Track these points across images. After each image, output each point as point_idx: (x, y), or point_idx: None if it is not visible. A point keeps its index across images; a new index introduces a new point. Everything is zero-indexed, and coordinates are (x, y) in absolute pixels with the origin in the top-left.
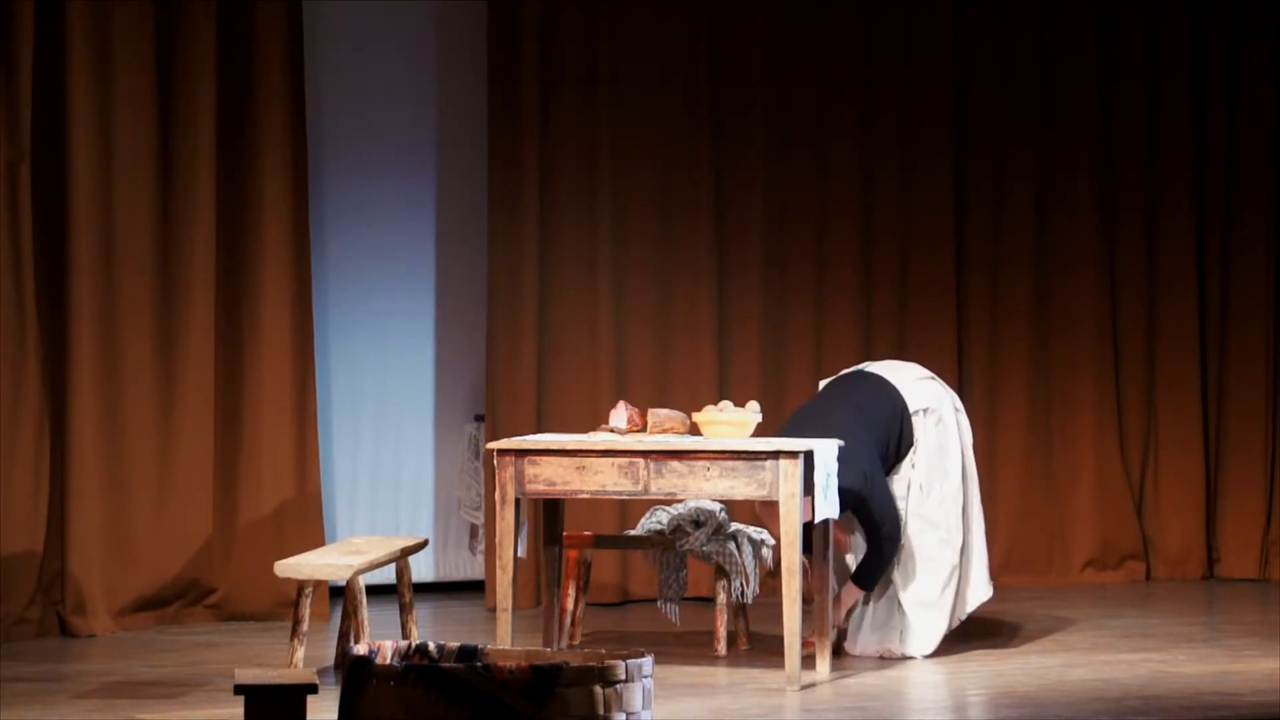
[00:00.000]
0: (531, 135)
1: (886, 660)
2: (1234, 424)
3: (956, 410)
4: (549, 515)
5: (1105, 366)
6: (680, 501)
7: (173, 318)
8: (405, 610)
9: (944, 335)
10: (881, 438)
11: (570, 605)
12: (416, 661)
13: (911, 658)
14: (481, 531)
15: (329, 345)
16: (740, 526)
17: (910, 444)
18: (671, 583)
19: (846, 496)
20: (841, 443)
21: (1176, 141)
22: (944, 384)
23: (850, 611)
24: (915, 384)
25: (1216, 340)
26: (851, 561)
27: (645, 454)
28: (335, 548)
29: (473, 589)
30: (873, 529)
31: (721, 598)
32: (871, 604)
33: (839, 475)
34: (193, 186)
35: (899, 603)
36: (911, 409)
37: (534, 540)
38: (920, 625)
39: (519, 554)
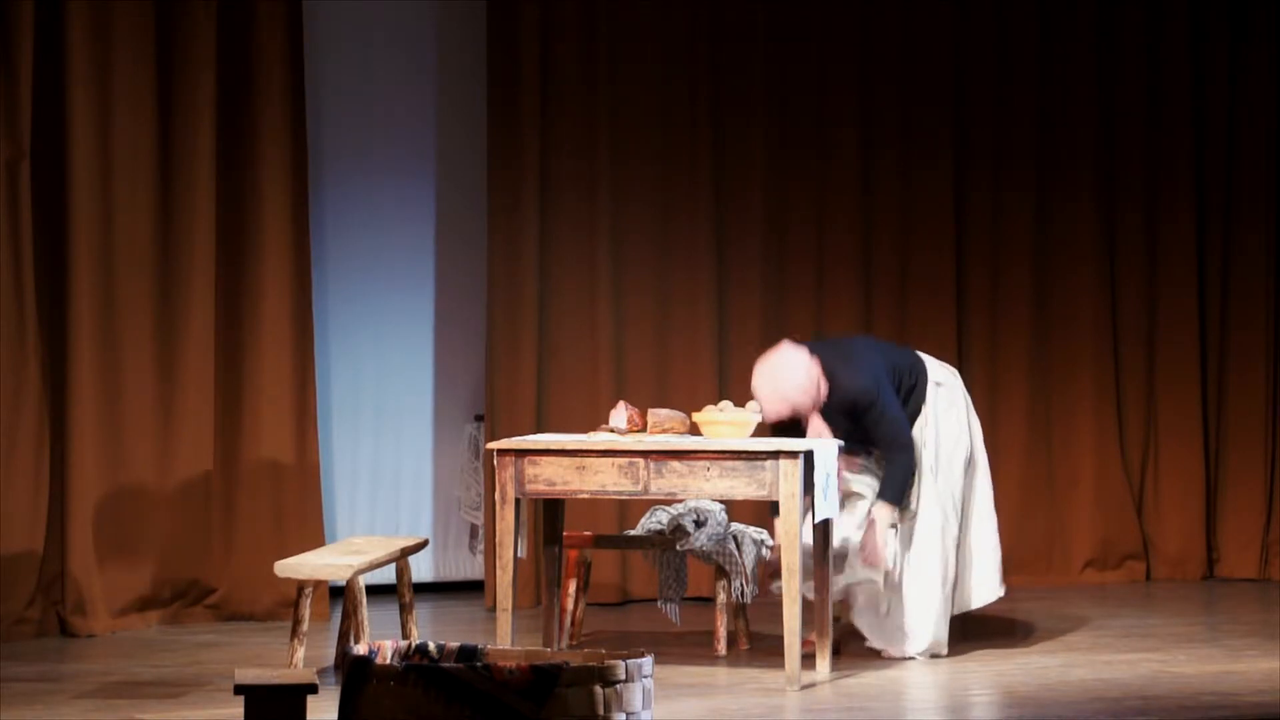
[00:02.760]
0: (531, 135)
1: (887, 660)
2: (1234, 424)
3: (968, 408)
4: (549, 515)
5: (1105, 366)
6: (680, 501)
7: (173, 318)
8: (405, 610)
9: (944, 335)
10: (895, 370)
11: (570, 605)
12: (416, 661)
13: (911, 658)
14: (481, 531)
15: (329, 345)
16: (740, 526)
17: (919, 405)
18: (671, 583)
19: (859, 398)
20: (852, 387)
21: (1176, 141)
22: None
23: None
24: (939, 365)
25: (1216, 340)
26: (864, 489)
27: (645, 454)
28: (335, 548)
29: (473, 589)
30: (888, 440)
31: (721, 598)
32: (871, 606)
33: (850, 377)
34: (193, 186)
35: (901, 600)
36: (930, 378)
37: (534, 540)
38: (919, 622)
39: (519, 554)
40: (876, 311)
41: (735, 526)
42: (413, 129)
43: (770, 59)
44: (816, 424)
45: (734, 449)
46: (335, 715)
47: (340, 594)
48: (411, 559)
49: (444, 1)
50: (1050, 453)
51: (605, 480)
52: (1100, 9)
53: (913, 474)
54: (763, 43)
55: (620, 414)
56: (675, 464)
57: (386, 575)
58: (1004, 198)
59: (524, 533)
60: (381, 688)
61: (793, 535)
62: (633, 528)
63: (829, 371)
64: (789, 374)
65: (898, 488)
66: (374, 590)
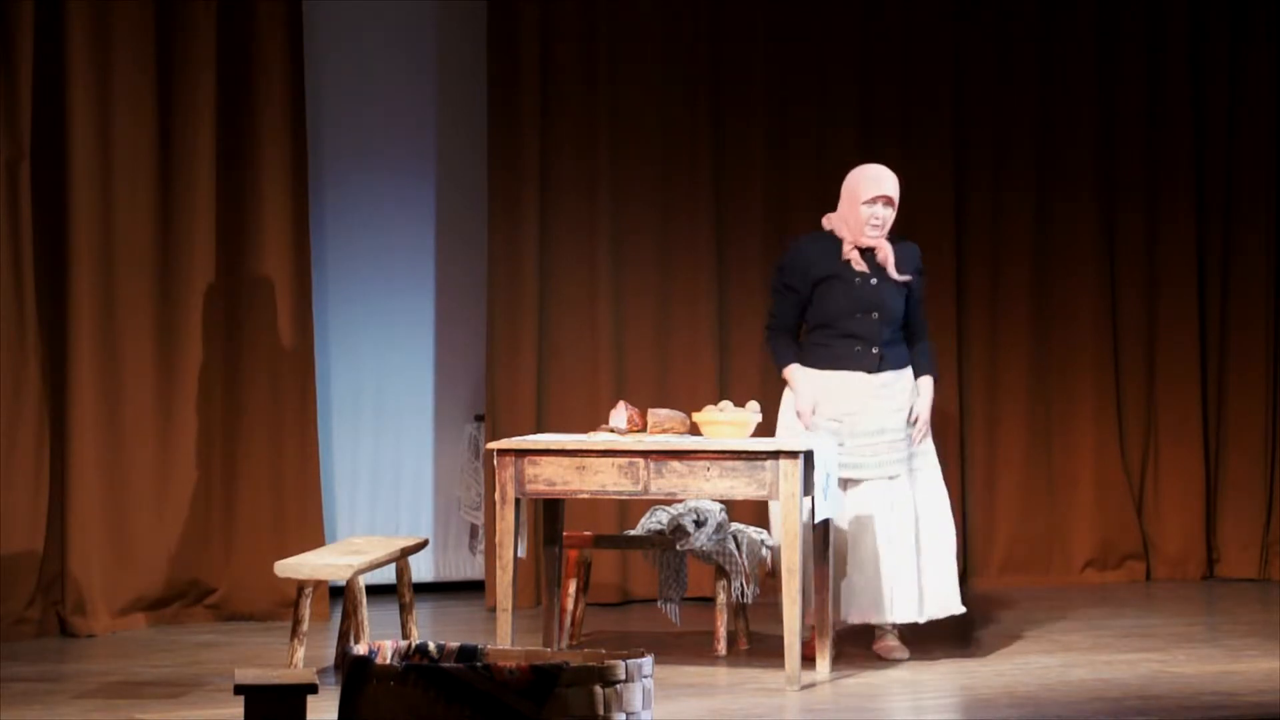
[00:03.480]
0: (531, 135)
1: (887, 660)
2: (1234, 424)
3: None
4: (549, 515)
5: (1105, 366)
6: (680, 501)
7: (173, 317)
8: (405, 610)
9: (944, 335)
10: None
11: (570, 605)
12: (416, 661)
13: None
14: (481, 531)
15: (329, 345)
16: (740, 526)
17: None
18: (671, 583)
19: (918, 271)
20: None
21: (1176, 141)
22: None
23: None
24: None
25: (1216, 340)
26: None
27: (645, 454)
28: (335, 548)
29: (473, 589)
30: (923, 317)
31: (721, 598)
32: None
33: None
34: (193, 186)
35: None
36: None
37: (534, 540)
38: (944, 584)
39: (519, 554)
40: None
41: (735, 526)
42: (413, 129)
43: (770, 59)
44: (884, 249)
45: (734, 449)
46: (335, 715)
47: (340, 594)
48: (411, 559)
49: (444, 1)
50: (1050, 453)
51: (605, 480)
52: (1100, 10)
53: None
54: (763, 43)
55: (620, 414)
56: (675, 464)
57: (386, 575)
58: (1004, 198)
59: (524, 533)
60: (381, 688)
61: (793, 535)
62: (633, 528)
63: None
64: None
65: (934, 366)
66: (374, 590)
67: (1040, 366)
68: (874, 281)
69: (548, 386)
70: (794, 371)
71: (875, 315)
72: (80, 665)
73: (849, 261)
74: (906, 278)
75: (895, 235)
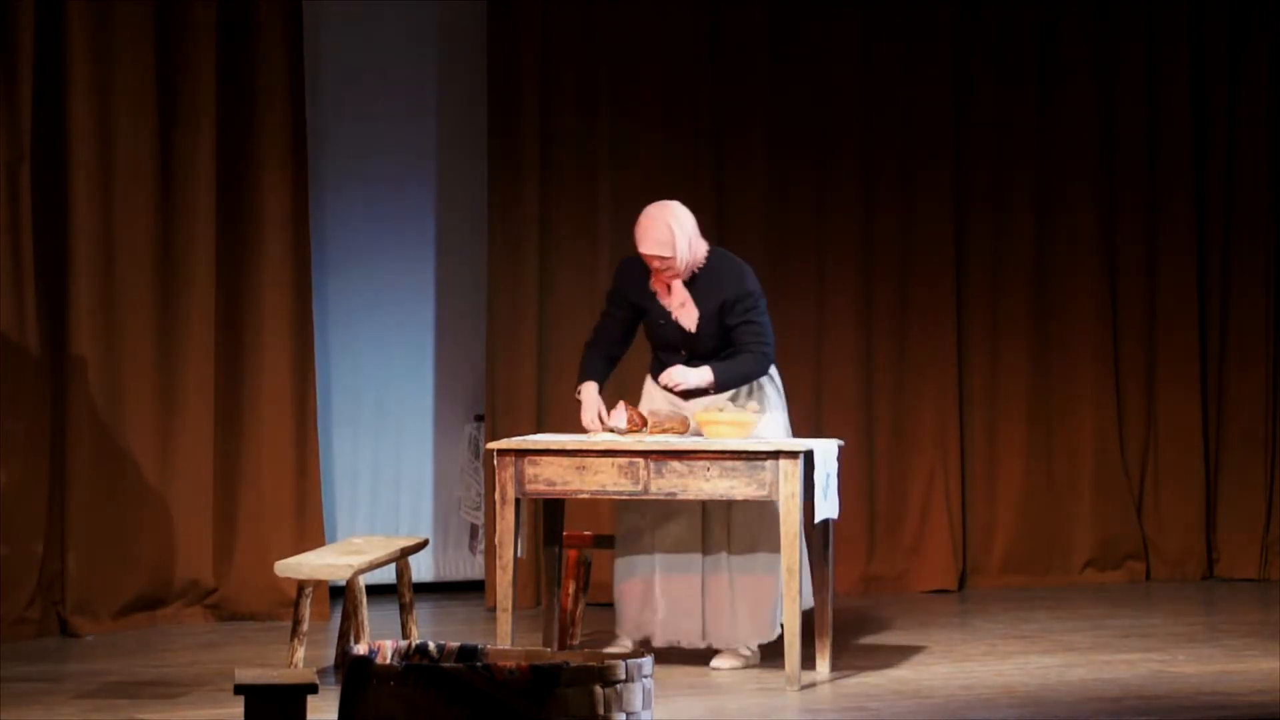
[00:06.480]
0: (531, 137)
1: (886, 660)
2: (1234, 424)
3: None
4: (549, 515)
5: (1105, 366)
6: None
7: (173, 318)
8: (405, 610)
9: (944, 334)
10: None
11: (570, 605)
12: (416, 661)
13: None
14: (481, 531)
15: (329, 345)
16: None
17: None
18: None
19: (744, 286)
20: (743, 273)
21: (1176, 142)
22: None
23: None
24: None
25: (1216, 340)
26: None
27: (645, 454)
28: (335, 548)
29: (473, 589)
30: (752, 338)
31: None
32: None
33: (743, 267)
34: (193, 187)
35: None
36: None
37: (534, 540)
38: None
39: (519, 554)
40: (877, 313)
41: None
42: (413, 129)
43: (771, 60)
44: (679, 293)
45: (734, 449)
46: (335, 715)
47: (340, 594)
48: (411, 559)
49: (444, 3)
50: (1050, 453)
51: (605, 480)
52: (1100, 10)
53: (749, 381)
54: (765, 45)
55: (620, 414)
56: (675, 464)
57: (386, 575)
58: (1004, 200)
59: (524, 533)
60: (381, 688)
61: (792, 535)
62: None
63: (723, 255)
64: (683, 212)
65: (732, 377)
66: (374, 590)
67: (1040, 365)
68: (675, 320)
69: (548, 386)
70: (585, 391)
71: (683, 353)
72: (80, 665)
73: (655, 294)
74: (691, 323)
75: (720, 255)
